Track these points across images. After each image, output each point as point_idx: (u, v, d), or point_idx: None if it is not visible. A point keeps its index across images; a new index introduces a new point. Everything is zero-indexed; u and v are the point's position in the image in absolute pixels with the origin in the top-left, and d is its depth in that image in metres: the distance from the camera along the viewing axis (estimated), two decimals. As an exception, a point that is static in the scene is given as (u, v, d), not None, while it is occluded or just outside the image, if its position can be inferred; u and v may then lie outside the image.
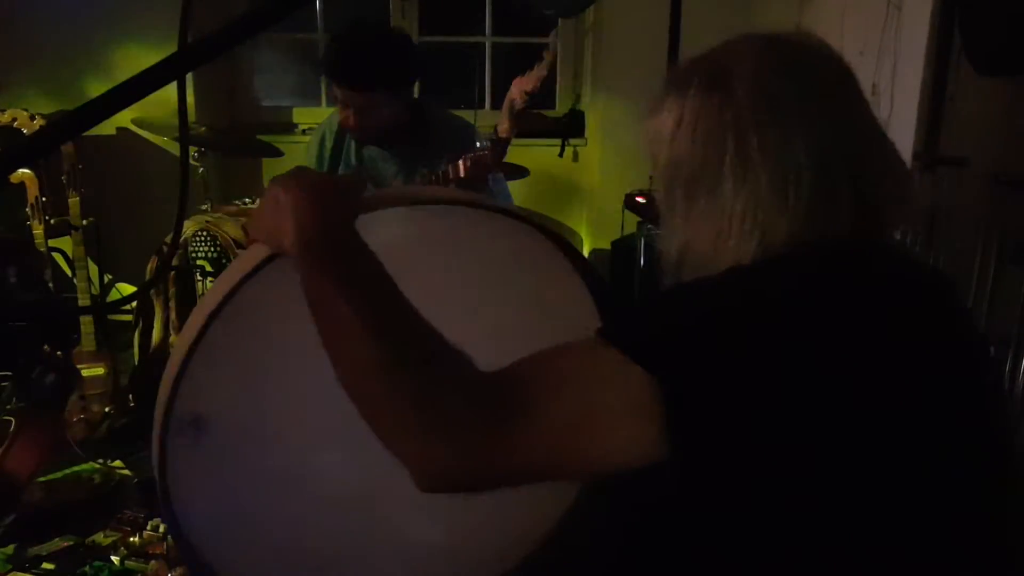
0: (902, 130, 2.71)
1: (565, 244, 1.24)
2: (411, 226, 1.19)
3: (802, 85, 0.91)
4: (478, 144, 2.21)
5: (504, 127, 2.12)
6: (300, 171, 1.02)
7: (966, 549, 0.91)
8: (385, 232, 1.03)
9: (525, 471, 0.86)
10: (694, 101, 0.93)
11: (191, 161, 3.19)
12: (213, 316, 1.03)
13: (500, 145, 2.09)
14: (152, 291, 3.05)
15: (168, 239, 3.08)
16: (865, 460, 0.84)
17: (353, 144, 2.43)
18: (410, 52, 2.30)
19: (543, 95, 2.61)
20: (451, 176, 2.00)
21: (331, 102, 4.11)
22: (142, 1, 3.57)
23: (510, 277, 1.27)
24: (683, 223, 0.96)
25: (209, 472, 1.12)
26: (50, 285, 3.17)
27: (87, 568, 2.32)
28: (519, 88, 2.10)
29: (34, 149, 0.70)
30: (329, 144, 2.44)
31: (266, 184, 3.69)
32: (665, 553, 0.95)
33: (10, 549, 2.37)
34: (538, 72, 2.09)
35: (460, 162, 1.98)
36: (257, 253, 1.06)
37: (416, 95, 2.51)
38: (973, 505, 0.91)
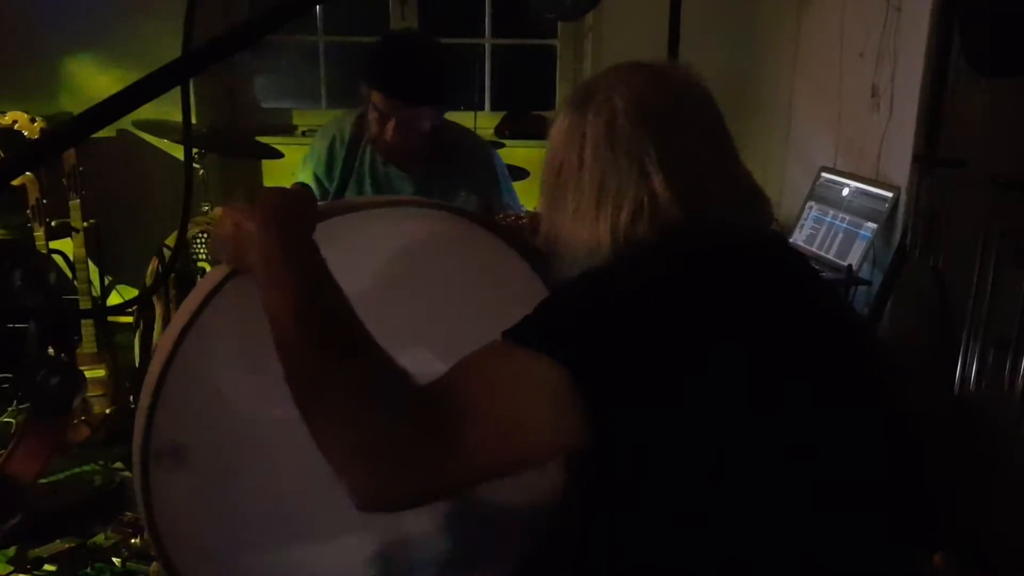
0: (901, 132, 2.71)
1: (521, 243, 1.27)
2: (369, 232, 1.20)
3: (641, 116, 1.04)
4: (512, 213, 2.22)
5: None
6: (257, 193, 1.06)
7: (863, 508, 0.98)
8: (344, 240, 1.05)
9: (456, 486, 0.93)
10: (567, 114, 1.10)
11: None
12: (181, 337, 1.04)
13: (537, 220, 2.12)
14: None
15: (168, 240, 3.08)
16: (756, 416, 0.92)
17: (368, 159, 2.33)
18: (450, 68, 2.25)
19: (543, 100, 2.63)
20: None
21: (332, 103, 4.13)
22: (144, 3, 3.58)
23: (467, 278, 1.29)
24: (545, 214, 1.14)
25: (192, 498, 1.11)
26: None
27: (88, 570, 2.32)
28: None
29: (40, 153, 0.70)
30: (341, 154, 2.34)
31: (266, 186, 3.67)
32: (605, 529, 1.00)
33: (12, 551, 2.37)
34: None
35: (500, 216, 1.99)
36: (219, 273, 1.07)
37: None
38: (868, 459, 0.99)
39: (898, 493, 1.01)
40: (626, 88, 1.06)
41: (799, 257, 1.13)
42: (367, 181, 2.34)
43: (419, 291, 1.24)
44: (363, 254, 1.18)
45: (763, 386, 0.93)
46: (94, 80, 3.69)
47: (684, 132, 1.06)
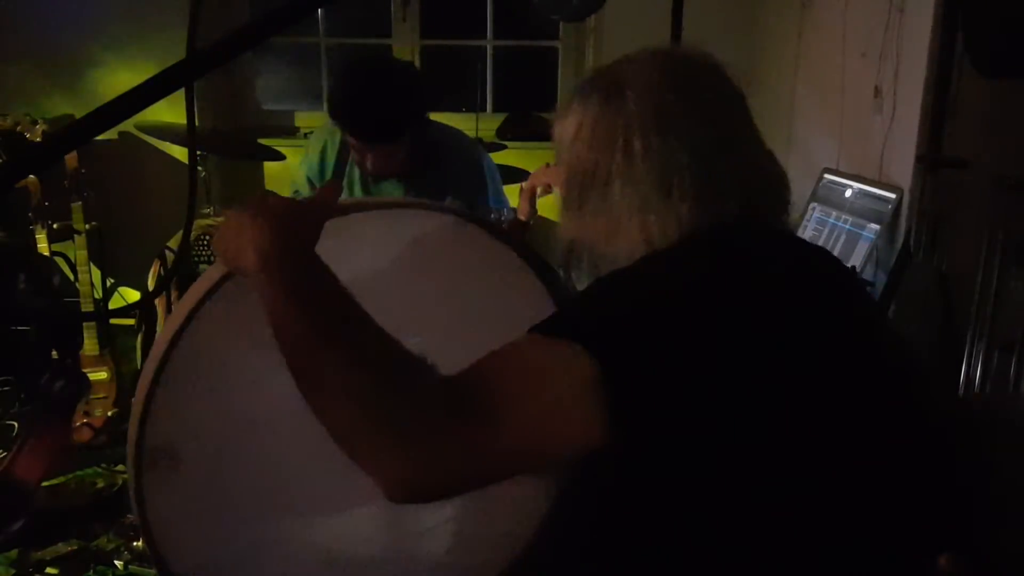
0: (904, 132, 2.70)
1: (516, 242, 1.27)
2: (366, 233, 1.20)
3: (687, 97, 1.01)
4: (494, 212, 2.22)
5: (524, 210, 2.15)
6: (265, 196, 1.03)
7: (891, 506, 0.97)
8: (343, 241, 1.03)
9: (489, 473, 0.90)
10: (593, 109, 1.03)
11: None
12: (175, 341, 1.04)
13: (520, 227, 2.13)
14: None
15: (170, 243, 3.08)
16: (784, 418, 0.90)
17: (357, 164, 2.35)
18: (419, 90, 2.21)
19: (543, 102, 2.63)
20: None
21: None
22: (146, 4, 3.58)
23: (468, 279, 1.29)
24: (575, 220, 1.06)
25: (187, 500, 1.11)
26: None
27: (90, 573, 2.32)
28: (544, 180, 2.12)
29: (44, 156, 0.70)
30: (331, 159, 2.37)
31: (268, 188, 3.70)
32: (625, 532, 0.99)
33: (14, 554, 2.37)
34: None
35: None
36: (215, 274, 1.07)
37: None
38: (892, 459, 0.99)
39: (915, 498, 1.00)
40: (660, 71, 1.02)
41: (832, 257, 1.12)
42: (356, 185, 2.37)
43: (417, 293, 1.23)
44: (361, 254, 1.17)
45: (798, 392, 0.92)
46: (97, 83, 3.68)
47: (731, 112, 1.04)
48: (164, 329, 1.10)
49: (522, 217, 2.15)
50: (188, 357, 1.06)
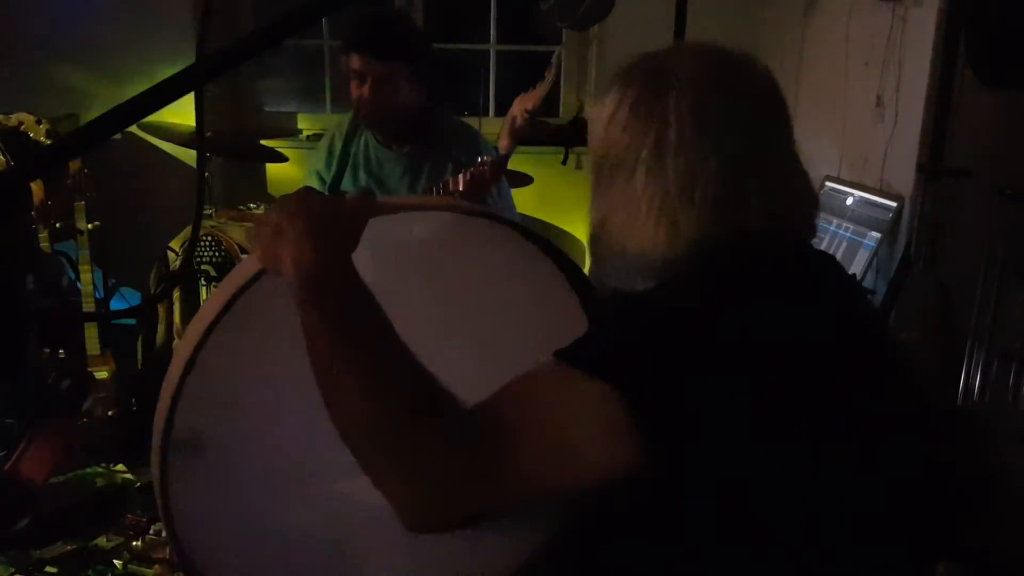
0: (906, 142, 2.71)
1: (553, 249, 1.25)
2: (401, 234, 1.19)
3: (727, 97, 0.97)
4: (480, 158, 2.23)
5: (504, 143, 2.17)
6: (305, 196, 1.00)
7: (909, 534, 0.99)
8: (376, 241, 1.03)
9: (509, 504, 0.89)
10: (632, 94, 0.99)
11: (194, 165, 3.18)
12: (209, 330, 1.04)
13: (499, 161, 2.11)
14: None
15: (173, 243, 3.09)
16: (812, 446, 0.90)
17: (362, 146, 2.46)
18: (422, 35, 2.40)
19: (547, 106, 2.65)
20: (451, 189, 2.01)
21: (336, 107, 4.13)
22: (151, 5, 3.58)
23: (498, 283, 1.28)
24: (602, 202, 1.03)
25: (209, 491, 1.11)
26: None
27: (90, 572, 2.32)
28: (520, 106, 2.14)
29: (56, 158, 0.70)
30: (338, 146, 2.45)
31: (270, 189, 3.71)
32: (642, 559, 0.98)
33: (13, 553, 2.36)
34: (540, 90, 2.14)
35: (460, 176, 2.00)
36: (251, 267, 1.06)
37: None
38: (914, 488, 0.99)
39: (914, 507, 1.00)
40: (708, 68, 0.98)
41: (848, 274, 1.11)
42: (361, 167, 2.46)
43: (449, 298, 1.23)
44: (394, 259, 1.17)
45: (820, 413, 0.91)
46: (98, 82, 3.69)
47: (772, 125, 1.01)
48: (199, 317, 1.10)
49: (502, 150, 2.16)
50: (218, 351, 1.05)
